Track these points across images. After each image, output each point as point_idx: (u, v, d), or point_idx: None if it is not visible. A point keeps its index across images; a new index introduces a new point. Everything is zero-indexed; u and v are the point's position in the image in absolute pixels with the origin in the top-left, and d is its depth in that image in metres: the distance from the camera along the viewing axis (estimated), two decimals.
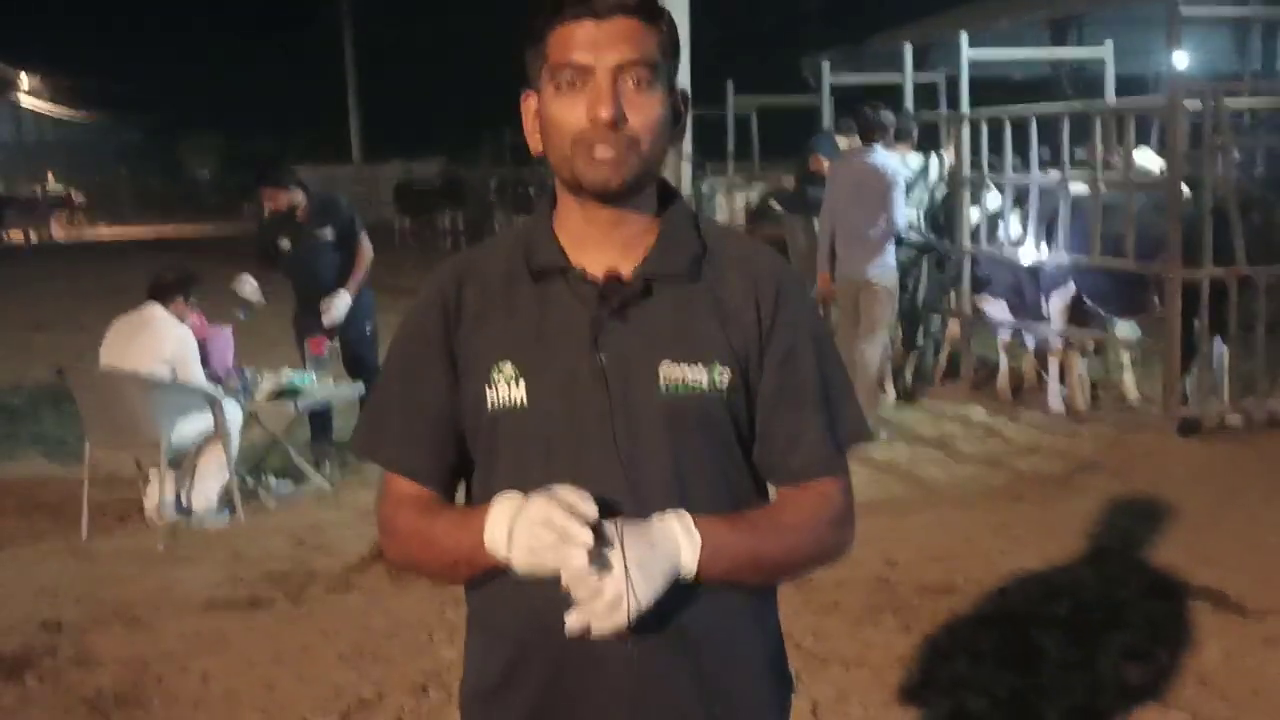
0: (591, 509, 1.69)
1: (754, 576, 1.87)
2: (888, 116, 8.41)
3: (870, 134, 8.36)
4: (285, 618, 5.54)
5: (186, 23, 59.45)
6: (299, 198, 8.12)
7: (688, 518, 1.77)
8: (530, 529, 1.70)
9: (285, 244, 8.10)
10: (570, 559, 1.66)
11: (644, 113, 1.80)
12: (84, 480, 6.80)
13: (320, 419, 8.08)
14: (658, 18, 1.84)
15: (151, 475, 6.91)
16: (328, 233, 8.09)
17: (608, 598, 1.67)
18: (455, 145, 35.12)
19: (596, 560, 1.67)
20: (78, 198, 39.49)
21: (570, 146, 1.80)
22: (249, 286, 7.92)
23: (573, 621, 1.69)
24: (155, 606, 5.66)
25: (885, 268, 8.30)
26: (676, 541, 1.75)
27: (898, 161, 8.56)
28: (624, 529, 1.71)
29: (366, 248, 8.23)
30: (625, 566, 1.68)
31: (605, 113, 1.76)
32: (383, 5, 43.98)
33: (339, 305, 7.99)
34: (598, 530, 1.68)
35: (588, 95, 1.78)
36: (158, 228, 36.73)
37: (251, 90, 54.55)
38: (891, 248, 8.30)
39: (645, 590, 1.70)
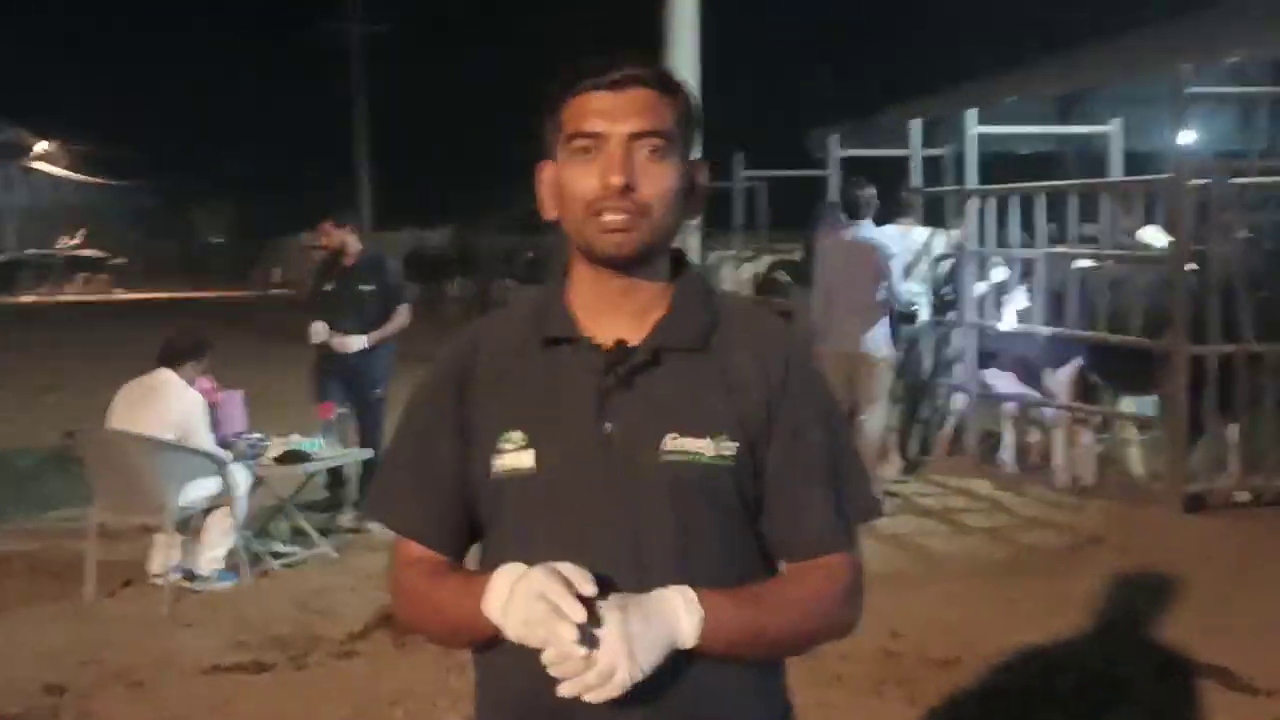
0: (590, 586, 1.70)
1: (757, 651, 1.86)
2: (869, 192, 8.53)
3: (855, 210, 8.48)
4: (289, 683, 5.52)
5: (203, 90, 60.05)
6: (352, 244, 8.35)
7: (690, 591, 1.76)
8: (526, 601, 1.71)
9: (329, 287, 8.34)
10: (560, 635, 1.66)
11: (656, 181, 1.82)
12: (90, 543, 6.80)
13: (335, 479, 8.19)
14: (675, 90, 1.88)
15: (157, 539, 6.90)
16: (369, 287, 8.27)
17: (600, 668, 1.67)
18: (466, 214, 35.36)
19: (588, 635, 1.67)
20: (107, 258, 39.98)
21: (582, 213, 1.83)
22: (317, 328, 8.14)
23: (565, 688, 1.69)
24: (159, 670, 5.65)
25: (882, 340, 8.39)
26: (676, 615, 1.74)
27: (887, 234, 8.77)
28: (622, 602, 1.71)
29: (403, 314, 8.40)
30: (621, 638, 1.68)
31: (616, 179, 1.79)
32: (397, 75, 44.42)
33: (353, 342, 8.12)
34: (593, 605, 1.69)
35: (600, 162, 1.81)
36: (170, 292, 36.91)
37: (265, 158, 55.07)
38: (886, 320, 8.40)
39: (640, 662, 1.69)
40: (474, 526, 1.97)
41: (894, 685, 5.30)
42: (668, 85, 1.87)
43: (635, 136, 1.81)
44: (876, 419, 8.43)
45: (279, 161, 54.90)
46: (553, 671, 1.68)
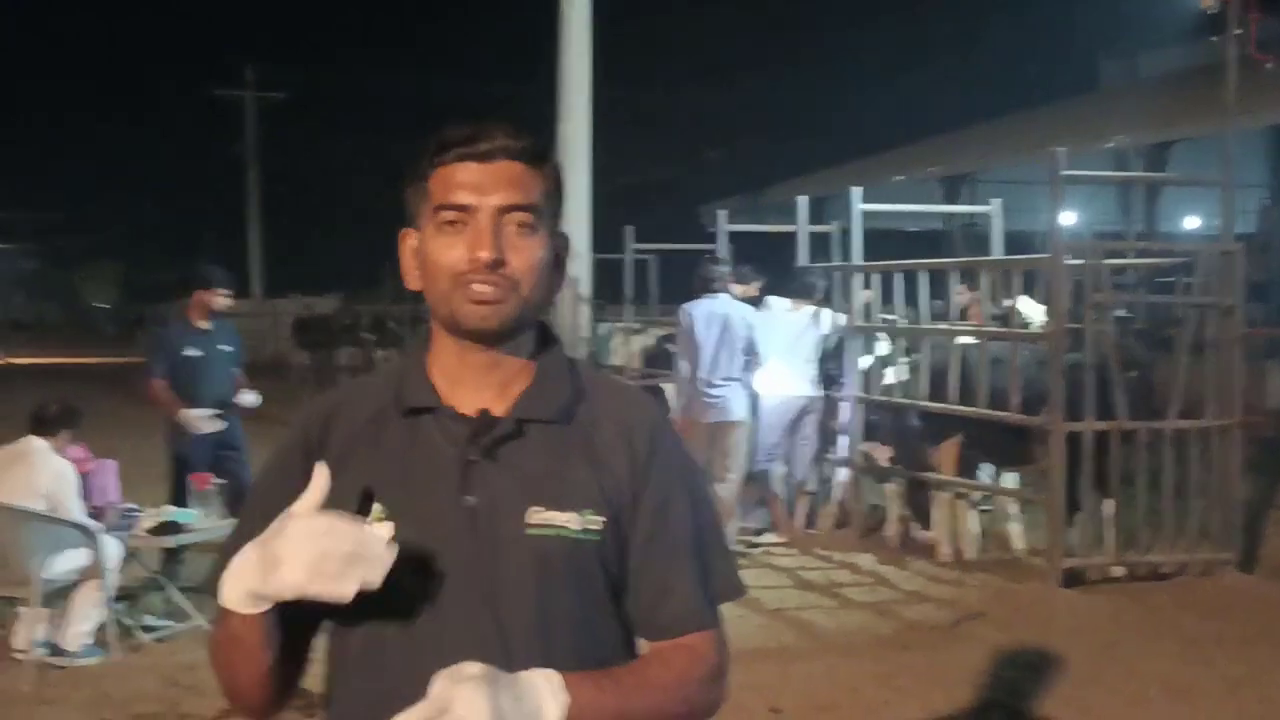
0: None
1: None
2: (721, 269, 9.20)
3: (707, 285, 9.04)
4: None
5: (89, 153, 59.25)
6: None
7: (556, 677, 1.69)
8: (315, 542, 1.62)
9: (193, 352, 8.16)
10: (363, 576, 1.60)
11: (525, 255, 1.80)
12: None
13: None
14: (543, 163, 1.86)
15: (22, 612, 6.69)
16: (229, 349, 8.35)
17: None
18: (355, 281, 35.21)
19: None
20: None
21: (449, 285, 1.79)
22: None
23: None
24: None
25: (738, 405, 8.94)
26: (541, 700, 1.67)
27: (776, 308, 9.55)
28: (492, 675, 1.63)
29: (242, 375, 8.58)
30: (490, 712, 1.59)
31: (485, 253, 1.76)
32: (286, 143, 44.26)
33: (252, 399, 8.26)
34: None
35: (469, 235, 1.78)
36: (52, 357, 36.13)
37: (152, 222, 54.42)
38: (741, 387, 8.95)
39: None
40: (320, 606, 1.89)
41: None
42: (537, 158, 1.85)
43: (504, 210, 1.79)
44: (734, 485, 8.97)
45: (166, 225, 54.29)
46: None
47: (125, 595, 7.39)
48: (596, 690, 1.74)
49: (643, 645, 1.93)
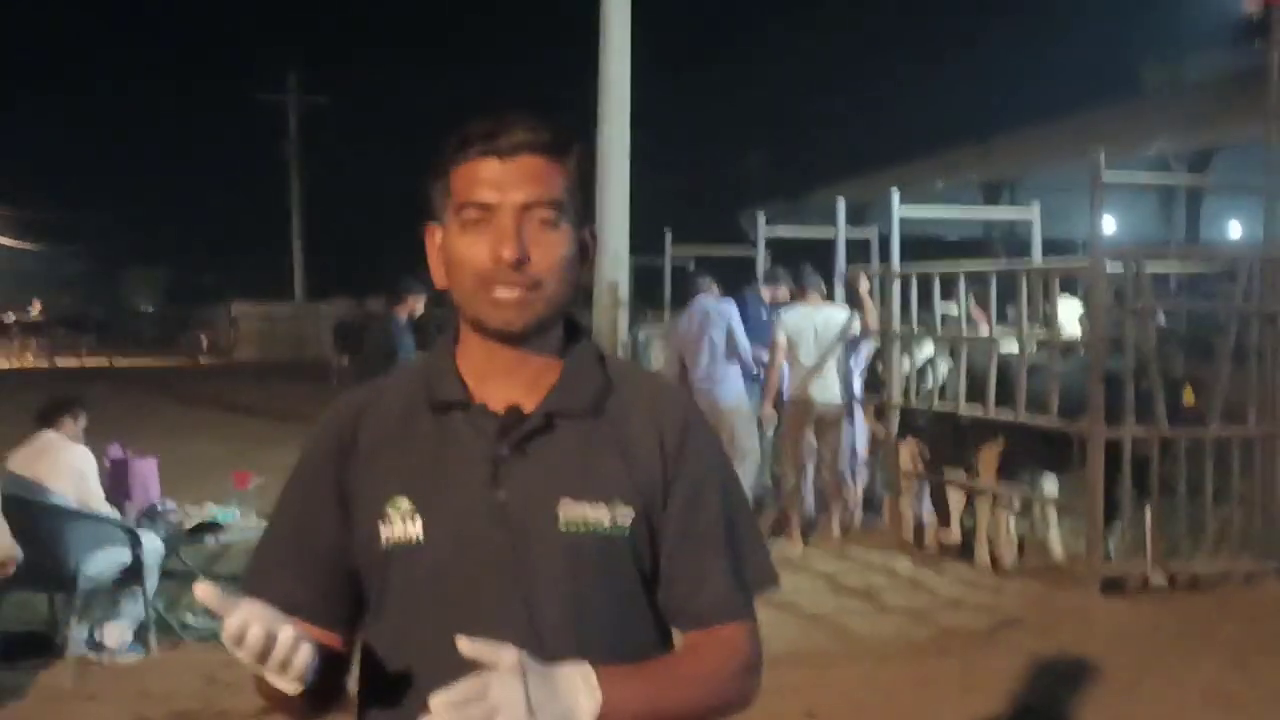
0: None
1: None
2: (706, 278, 10.31)
3: (695, 291, 10.18)
4: None
5: (134, 155, 59.76)
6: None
7: (590, 671, 1.69)
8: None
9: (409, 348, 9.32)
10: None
11: (548, 252, 1.79)
12: None
13: None
14: (566, 155, 1.83)
15: (64, 608, 6.76)
16: None
17: None
18: (395, 284, 35.37)
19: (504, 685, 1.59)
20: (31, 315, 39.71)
21: (473, 284, 1.79)
22: None
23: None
24: None
25: (732, 392, 9.56)
26: (576, 694, 1.67)
27: (799, 312, 9.81)
28: (526, 665, 1.62)
29: None
30: (524, 702, 1.59)
31: (508, 253, 1.75)
32: (329, 147, 44.48)
33: None
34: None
35: (491, 234, 1.77)
36: (97, 359, 36.48)
37: (195, 226, 54.85)
38: (733, 376, 9.60)
39: None
40: (358, 601, 1.89)
41: None
42: (559, 151, 1.82)
43: (526, 207, 1.78)
44: (746, 476, 9.32)
45: (210, 229, 54.70)
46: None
47: (165, 593, 7.44)
48: (630, 684, 1.73)
49: (678, 638, 1.92)
